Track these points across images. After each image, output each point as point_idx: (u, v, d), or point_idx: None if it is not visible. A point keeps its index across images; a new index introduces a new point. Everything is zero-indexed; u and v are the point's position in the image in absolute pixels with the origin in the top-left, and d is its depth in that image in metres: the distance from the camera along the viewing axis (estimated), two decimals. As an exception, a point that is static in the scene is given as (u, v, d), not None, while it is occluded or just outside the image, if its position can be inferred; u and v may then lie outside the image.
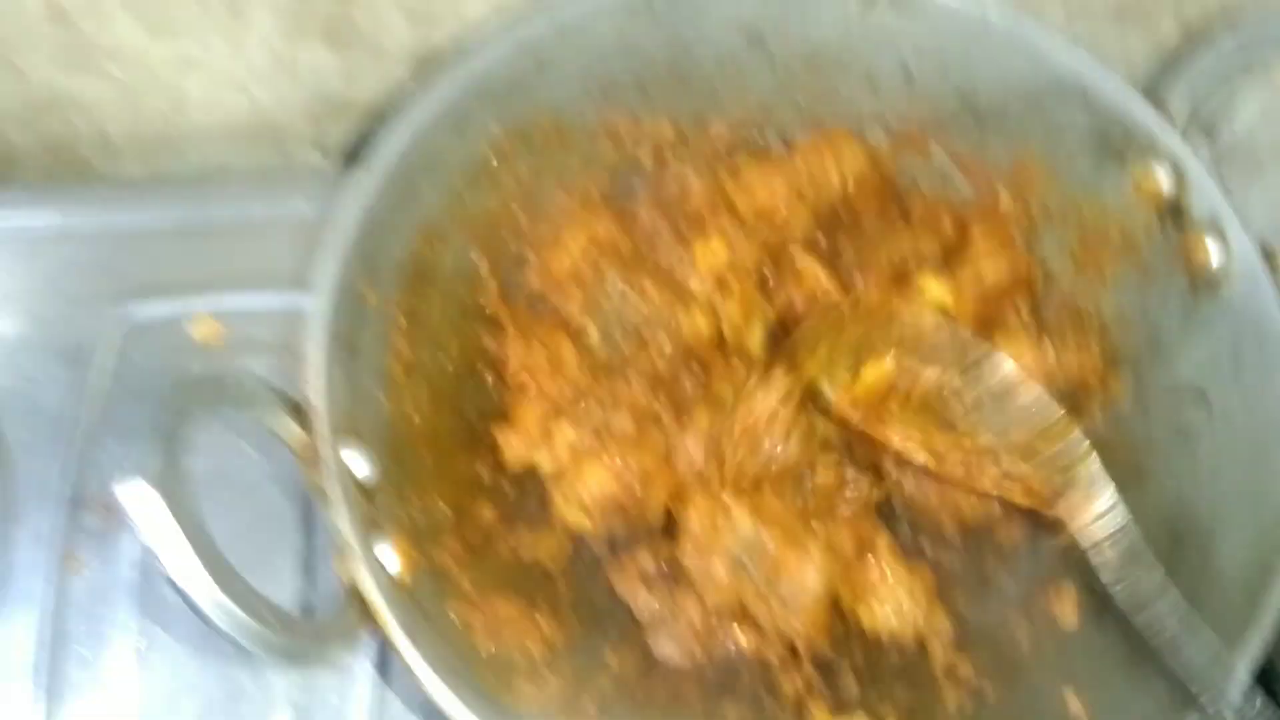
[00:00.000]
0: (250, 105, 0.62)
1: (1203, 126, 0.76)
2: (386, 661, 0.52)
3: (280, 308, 0.58)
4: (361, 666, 0.52)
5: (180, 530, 0.34)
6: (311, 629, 0.38)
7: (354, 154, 0.65)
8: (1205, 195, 0.49)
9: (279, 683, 0.52)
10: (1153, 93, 0.51)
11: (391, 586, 0.42)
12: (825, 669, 0.50)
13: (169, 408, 0.36)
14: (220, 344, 0.58)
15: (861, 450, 0.54)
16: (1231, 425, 0.47)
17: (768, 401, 0.52)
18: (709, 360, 0.55)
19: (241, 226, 0.63)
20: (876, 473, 0.53)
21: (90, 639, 0.52)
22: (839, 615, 0.52)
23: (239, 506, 0.52)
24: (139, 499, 0.34)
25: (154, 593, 0.53)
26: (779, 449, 0.52)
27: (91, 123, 0.62)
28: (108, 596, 0.53)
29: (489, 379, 0.53)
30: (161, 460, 0.34)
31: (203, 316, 0.58)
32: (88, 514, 0.54)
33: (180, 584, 0.34)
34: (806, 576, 0.48)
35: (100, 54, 0.57)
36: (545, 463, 0.51)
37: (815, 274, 0.55)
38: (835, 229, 0.57)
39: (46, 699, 0.50)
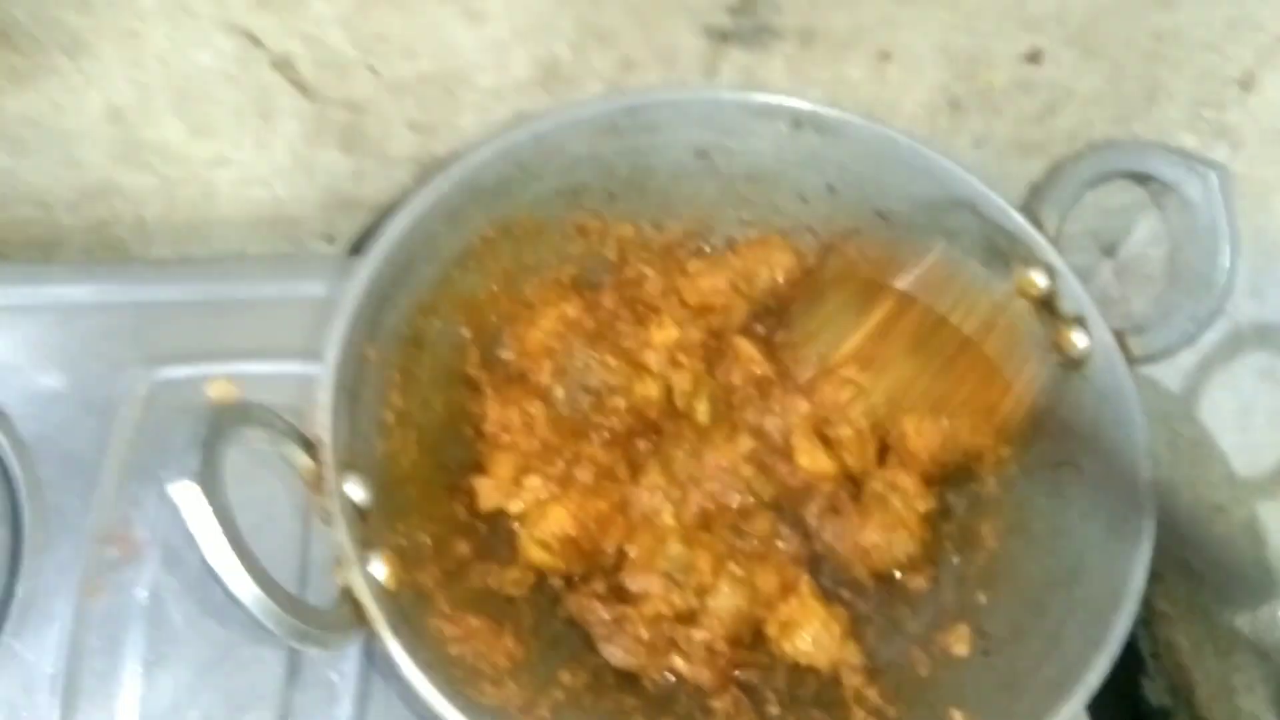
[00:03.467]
0: (271, 199, 0.71)
1: (1103, 247, 0.87)
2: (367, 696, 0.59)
3: (288, 374, 0.67)
4: (342, 706, 0.59)
5: (218, 523, 0.42)
6: (315, 616, 0.45)
7: (358, 245, 0.75)
8: (1072, 293, 0.59)
9: (271, 698, 0.59)
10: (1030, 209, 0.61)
11: (380, 592, 0.49)
12: (751, 692, 0.58)
13: (209, 423, 0.44)
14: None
15: (792, 512, 0.62)
16: (1094, 481, 0.55)
17: (733, 455, 0.61)
18: (661, 425, 0.64)
19: (256, 304, 0.72)
20: (805, 532, 0.62)
21: (104, 654, 0.59)
22: (765, 648, 0.59)
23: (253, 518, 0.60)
24: (187, 496, 0.41)
25: (162, 615, 0.60)
26: (734, 497, 0.60)
27: (132, 209, 0.71)
28: (121, 618, 0.60)
29: (469, 433, 0.62)
30: (203, 465, 0.42)
31: (219, 378, 0.67)
32: (109, 546, 0.62)
33: (216, 567, 0.42)
34: (725, 593, 0.56)
35: (147, 150, 0.66)
36: (514, 507, 0.59)
37: (751, 355, 0.64)
38: (769, 318, 0.67)
39: (61, 706, 0.57)
